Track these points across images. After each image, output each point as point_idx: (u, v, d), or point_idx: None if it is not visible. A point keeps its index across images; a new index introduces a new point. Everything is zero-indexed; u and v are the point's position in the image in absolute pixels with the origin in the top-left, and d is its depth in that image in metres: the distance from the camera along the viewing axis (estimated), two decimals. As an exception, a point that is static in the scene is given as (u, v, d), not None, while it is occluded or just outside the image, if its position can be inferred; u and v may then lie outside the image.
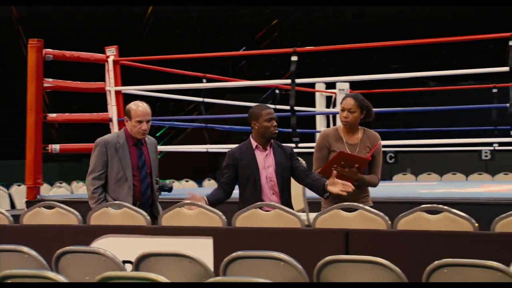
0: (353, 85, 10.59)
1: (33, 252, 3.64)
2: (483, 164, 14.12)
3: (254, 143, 5.14)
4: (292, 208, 5.13)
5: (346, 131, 5.15)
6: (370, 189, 5.20)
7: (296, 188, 5.35)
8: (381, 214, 4.59)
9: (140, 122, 5.33)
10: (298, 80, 7.66)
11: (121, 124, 8.28)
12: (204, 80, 9.53)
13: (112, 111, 8.33)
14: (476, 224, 4.32)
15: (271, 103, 10.78)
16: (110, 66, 8.35)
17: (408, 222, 4.50)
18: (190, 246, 4.20)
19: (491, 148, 12.45)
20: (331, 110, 10.98)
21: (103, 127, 8.58)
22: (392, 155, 14.24)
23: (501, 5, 17.59)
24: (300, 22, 22.89)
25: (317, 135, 10.67)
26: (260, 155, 5.10)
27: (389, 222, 4.54)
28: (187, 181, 12.03)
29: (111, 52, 8.43)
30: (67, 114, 9.23)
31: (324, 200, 5.10)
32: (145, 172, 5.40)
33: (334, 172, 4.88)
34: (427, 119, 15.16)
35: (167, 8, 23.41)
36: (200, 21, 24.04)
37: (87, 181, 5.41)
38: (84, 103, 18.24)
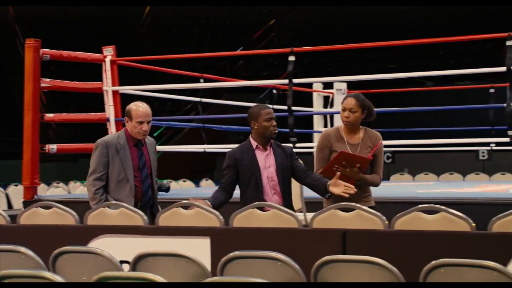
0: (351, 85, 10.59)
1: (30, 252, 3.64)
2: (480, 164, 14.14)
3: (254, 143, 5.14)
4: (293, 208, 5.14)
5: (347, 131, 5.14)
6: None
7: (293, 188, 5.35)
8: (378, 214, 4.59)
9: (141, 123, 5.32)
10: (295, 80, 7.66)
11: (118, 124, 8.29)
12: (202, 80, 9.53)
13: (110, 111, 8.32)
14: (473, 224, 4.33)
15: (268, 103, 10.76)
16: (107, 66, 8.35)
17: (405, 222, 4.50)
18: (188, 246, 4.20)
19: (488, 148, 12.47)
20: (328, 110, 10.98)
21: (101, 127, 8.58)
22: (390, 155, 14.25)
23: (498, 5, 17.62)
24: (297, 22, 22.91)
25: (315, 135, 10.71)
26: (260, 155, 5.10)
27: (386, 222, 4.54)
28: (184, 181, 12.02)
29: (109, 52, 8.43)
30: (64, 114, 9.23)
31: (326, 200, 5.10)
32: (145, 173, 5.40)
33: (338, 173, 4.87)
34: (424, 119, 15.19)
35: (164, 8, 23.41)
36: (198, 21, 24.05)
37: (88, 182, 5.38)
38: (81, 103, 18.24)
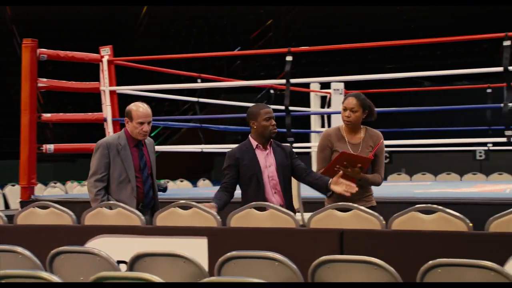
0: (348, 85, 10.59)
1: (27, 252, 3.63)
2: (478, 164, 14.15)
3: (254, 143, 5.14)
4: (294, 208, 5.14)
5: (348, 131, 5.13)
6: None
7: (291, 188, 5.35)
8: (376, 214, 4.60)
9: (142, 123, 5.32)
10: (292, 80, 7.66)
11: (115, 124, 8.28)
12: (199, 80, 9.52)
13: (107, 111, 8.32)
14: (470, 224, 4.33)
15: (265, 103, 10.77)
16: (104, 66, 8.34)
17: (403, 222, 4.50)
18: (185, 246, 4.20)
19: (485, 148, 12.47)
20: (325, 110, 10.98)
21: (98, 127, 8.57)
22: (387, 155, 14.21)
23: (496, 5, 17.63)
24: (295, 22, 22.92)
25: (312, 135, 10.72)
26: (261, 155, 5.11)
27: (384, 222, 4.54)
28: (181, 181, 12.02)
29: (106, 52, 8.42)
30: (61, 114, 9.22)
31: (327, 199, 5.10)
32: (146, 173, 5.39)
33: (340, 172, 4.87)
34: (422, 119, 15.20)
35: (162, 8, 23.40)
36: (195, 21, 24.04)
37: (89, 184, 5.36)
38: (78, 103, 18.23)
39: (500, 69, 6.87)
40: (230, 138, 18.67)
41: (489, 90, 11.53)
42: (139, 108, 5.34)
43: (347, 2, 19.69)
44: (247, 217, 4.78)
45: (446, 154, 14.57)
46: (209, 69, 18.82)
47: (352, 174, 4.89)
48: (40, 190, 9.91)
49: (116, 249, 4.23)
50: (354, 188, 4.81)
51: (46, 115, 8.20)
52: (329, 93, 10.73)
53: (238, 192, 5.17)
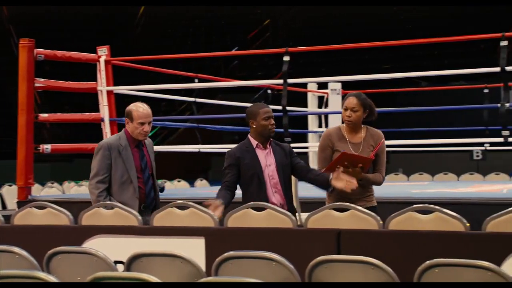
0: (346, 85, 10.59)
1: (24, 253, 3.63)
2: (475, 164, 14.18)
3: (254, 142, 5.14)
4: (294, 208, 5.14)
5: (349, 130, 5.12)
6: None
7: (289, 188, 5.35)
8: (373, 214, 4.60)
9: (142, 124, 5.31)
10: (290, 80, 7.65)
11: (112, 124, 8.27)
12: (196, 80, 9.52)
13: (104, 111, 8.31)
14: (468, 224, 4.33)
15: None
16: (101, 66, 8.33)
17: (400, 222, 4.50)
18: (182, 246, 4.20)
19: (483, 148, 12.50)
20: (323, 110, 10.98)
21: (95, 127, 8.57)
22: (385, 155, 14.24)
23: (494, 5, 17.65)
24: (292, 22, 22.92)
25: (309, 135, 10.71)
26: (261, 154, 5.11)
27: (381, 222, 4.54)
28: (179, 181, 12.01)
29: (103, 52, 8.41)
30: (58, 114, 9.20)
31: (328, 195, 5.09)
32: (148, 174, 5.39)
33: (341, 168, 4.86)
34: (419, 119, 15.22)
35: (159, 8, 23.39)
36: (192, 21, 24.04)
37: (90, 185, 5.35)
38: (76, 103, 18.22)
39: (497, 69, 6.88)
40: (227, 138, 18.69)
41: (486, 90, 11.55)
42: (140, 109, 5.33)
43: (345, 2, 19.70)
44: (244, 217, 4.78)
45: (444, 154, 14.60)
46: (207, 69, 18.81)
47: (353, 174, 4.87)
48: (37, 190, 9.90)
49: (113, 249, 4.23)
50: (354, 184, 4.80)
51: (43, 115, 8.18)
52: (327, 93, 10.72)
53: (238, 192, 5.17)
